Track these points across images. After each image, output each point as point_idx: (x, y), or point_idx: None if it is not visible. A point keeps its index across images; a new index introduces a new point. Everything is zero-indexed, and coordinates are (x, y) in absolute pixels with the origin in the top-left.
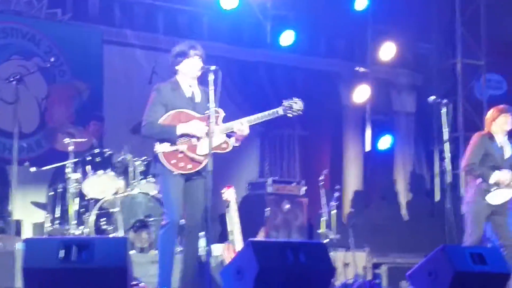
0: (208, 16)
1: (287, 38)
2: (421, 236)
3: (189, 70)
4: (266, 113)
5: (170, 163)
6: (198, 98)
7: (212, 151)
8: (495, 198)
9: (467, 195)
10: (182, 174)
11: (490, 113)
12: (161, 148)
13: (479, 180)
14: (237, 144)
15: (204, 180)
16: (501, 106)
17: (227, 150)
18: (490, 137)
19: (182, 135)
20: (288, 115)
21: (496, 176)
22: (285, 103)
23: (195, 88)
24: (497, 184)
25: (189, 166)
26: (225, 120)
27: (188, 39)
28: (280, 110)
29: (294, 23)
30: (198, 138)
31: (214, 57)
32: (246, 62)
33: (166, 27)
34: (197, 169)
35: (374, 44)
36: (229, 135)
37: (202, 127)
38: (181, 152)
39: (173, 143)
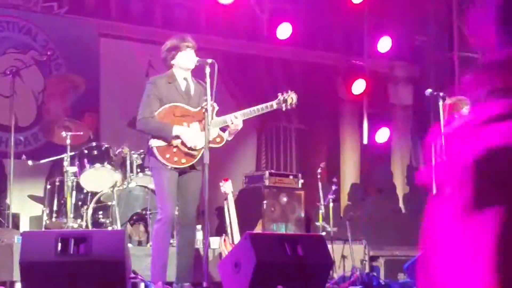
0: (204, 9)
1: (284, 31)
2: (418, 229)
3: (183, 63)
4: (260, 106)
5: (164, 158)
6: (192, 91)
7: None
8: None
9: None
10: (176, 168)
11: (453, 104)
12: (155, 142)
13: None
14: (229, 138)
15: (198, 173)
16: (460, 97)
17: (221, 144)
18: None
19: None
20: (283, 108)
21: None
22: (280, 96)
23: (189, 81)
24: None
25: (183, 160)
26: (222, 113)
27: (185, 33)
28: (274, 104)
29: (291, 16)
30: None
31: (211, 50)
32: (243, 55)
33: (163, 20)
34: (191, 163)
35: (371, 37)
36: (223, 129)
37: (194, 137)
38: (175, 146)
39: (167, 142)
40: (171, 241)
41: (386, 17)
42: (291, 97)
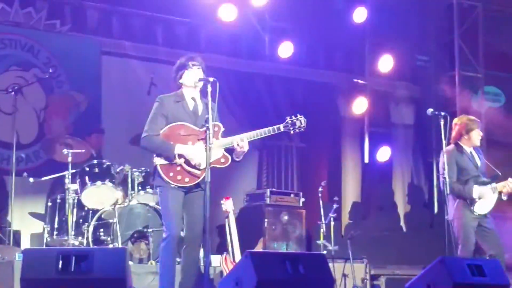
0: (206, 28)
1: (285, 50)
2: (419, 247)
3: (190, 81)
4: (267, 129)
5: (168, 176)
6: (200, 111)
7: (211, 166)
8: (481, 208)
9: (452, 212)
10: (180, 186)
11: (464, 124)
12: (159, 160)
13: (462, 199)
14: (238, 159)
15: (203, 192)
16: (473, 118)
17: (226, 165)
18: (459, 149)
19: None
20: (290, 132)
21: (477, 190)
22: (288, 119)
23: (198, 101)
24: (481, 197)
25: (187, 179)
26: (224, 133)
27: (187, 51)
28: (281, 127)
29: (292, 35)
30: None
31: (213, 68)
32: (244, 74)
33: (165, 38)
34: (194, 183)
35: (372, 56)
36: (228, 150)
37: (198, 156)
38: (179, 165)
39: (170, 161)
40: (178, 259)
41: (388, 37)
42: (300, 121)
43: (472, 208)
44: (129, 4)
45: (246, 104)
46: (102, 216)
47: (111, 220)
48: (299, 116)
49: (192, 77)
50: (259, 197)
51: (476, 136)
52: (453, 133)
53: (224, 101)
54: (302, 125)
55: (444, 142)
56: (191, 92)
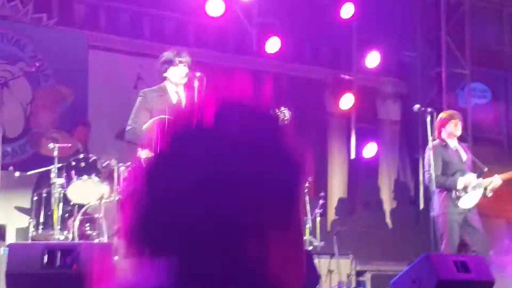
0: (194, 23)
1: (272, 45)
2: (405, 244)
3: (175, 77)
4: None
5: None
6: (183, 105)
7: None
8: (466, 202)
9: (438, 207)
10: None
11: (439, 120)
12: (143, 154)
13: (446, 192)
14: None
15: None
16: (449, 111)
17: None
18: (444, 144)
19: None
20: None
21: (462, 181)
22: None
23: (181, 95)
24: (465, 189)
25: None
26: None
27: (174, 45)
28: None
29: (279, 30)
30: None
31: (200, 63)
32: (231, 69)
33: (152, 33)
34: None
35: (359, 52)
36: None
37: None
38: None
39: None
40: None
41: (375, 32)
42: (283, 113)
43: (457, 202)
44: None
45: None
46: (88, 210)
47: (97, 215)
48: (282, 108)
49: (178, 75)
50: None
51: (453, 126)
52: (435, 131)
53: None
54: (286, 118)
55: (430, 138)
56: (174, 86)
